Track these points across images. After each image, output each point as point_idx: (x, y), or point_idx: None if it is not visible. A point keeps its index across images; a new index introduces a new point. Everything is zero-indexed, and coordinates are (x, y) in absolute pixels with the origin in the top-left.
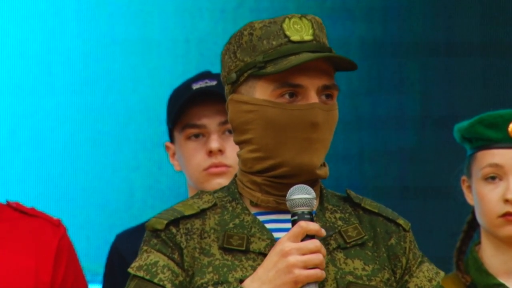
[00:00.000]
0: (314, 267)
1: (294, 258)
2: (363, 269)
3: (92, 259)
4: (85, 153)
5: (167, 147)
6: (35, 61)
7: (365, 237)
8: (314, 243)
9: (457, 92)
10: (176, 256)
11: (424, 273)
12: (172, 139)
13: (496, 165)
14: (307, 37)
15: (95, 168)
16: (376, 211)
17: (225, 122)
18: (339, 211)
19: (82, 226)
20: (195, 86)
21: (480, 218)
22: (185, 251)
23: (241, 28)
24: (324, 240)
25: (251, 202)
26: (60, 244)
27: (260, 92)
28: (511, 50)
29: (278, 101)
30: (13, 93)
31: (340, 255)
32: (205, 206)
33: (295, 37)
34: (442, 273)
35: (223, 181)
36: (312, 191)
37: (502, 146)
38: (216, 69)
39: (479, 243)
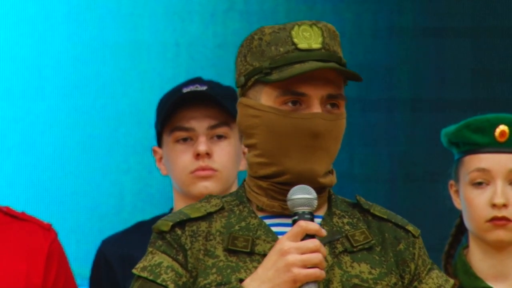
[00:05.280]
0: (313, 266)
1: (293, 257)
2: (370, 272)
3: (82, 263)
4: (75, 156)
5: (154, 152)
6: (25, 65)
7: (373, 242)
8: (314, 243)
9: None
10: (180, 257)
11: (434, 280)
12: (159, 144)
13: (483, 170)
14: (316, 45)
15: (85, 172)
16: (385, 217)
17: (214, 127)
18: (347, 216)
19: (72, 230)
20: (185, 90)
21: (468, 223)
22: (189, 252)
23: (252, 32)
24: (330, 244)
25: (257, 207)
26: (51, 248)
27: (265, 98)
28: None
29: (282, 108)
30: (2, 97)
31: (346, 258)
32: (212, 209)
33: (302, 45)
34: (451, 281)
35: (209, 185)
36: (313, 191)
37: (489, 150)
38: (205, 72)
39: (467, 246)
